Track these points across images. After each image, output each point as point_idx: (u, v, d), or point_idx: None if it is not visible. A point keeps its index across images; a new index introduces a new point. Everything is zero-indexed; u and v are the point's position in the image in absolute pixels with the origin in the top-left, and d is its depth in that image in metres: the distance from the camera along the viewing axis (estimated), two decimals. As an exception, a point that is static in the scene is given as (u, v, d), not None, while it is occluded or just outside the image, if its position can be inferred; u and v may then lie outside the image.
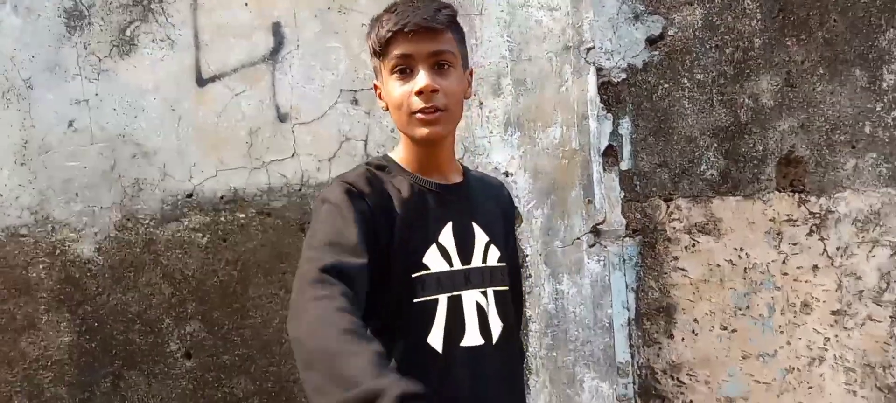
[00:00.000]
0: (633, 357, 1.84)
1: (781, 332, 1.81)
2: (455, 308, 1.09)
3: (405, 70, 1.07)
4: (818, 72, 1.88)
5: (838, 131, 1.84)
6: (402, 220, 1.08)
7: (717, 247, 1.85)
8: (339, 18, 1.89)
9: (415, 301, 1.08)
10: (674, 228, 1.85)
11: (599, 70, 1.91)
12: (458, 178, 1.16)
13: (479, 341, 1.10)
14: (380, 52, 1.10)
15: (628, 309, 1.84)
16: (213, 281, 1.91)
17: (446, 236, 1.11)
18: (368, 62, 1.85)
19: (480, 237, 1.13)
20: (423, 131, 1.07)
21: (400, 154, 1.15)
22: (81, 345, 1.93)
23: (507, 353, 1.15)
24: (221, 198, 1.92)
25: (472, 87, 1.18)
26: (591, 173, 1.86)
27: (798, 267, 1.81)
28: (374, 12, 1.83)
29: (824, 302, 1.80)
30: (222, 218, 1.92)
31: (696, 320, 1.83)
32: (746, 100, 1.88)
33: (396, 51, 1.07)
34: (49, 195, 1.96)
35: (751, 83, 1.88)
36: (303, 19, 1.89)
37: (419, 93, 1.05)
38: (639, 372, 1.86)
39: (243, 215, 1.91)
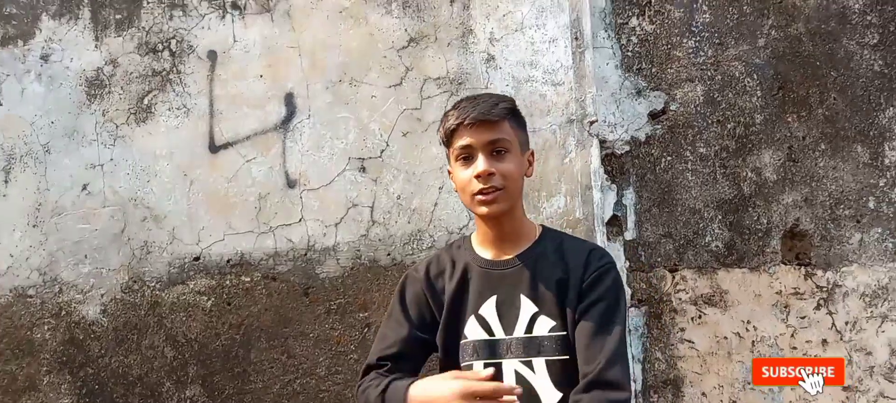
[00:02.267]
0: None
1: (792, 408, 1.86)
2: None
3: (468, 157, 1.31)
4: (820, 148, 1.99)
5: (842, 206, 1.94)
6: (452, 294, 1.36)
7: (724, 319, 1.91)
8: (350, 90, 2.05)
9: (462, 365, 1.33)
10: (680, 299, 1.93)
11: (603, 142, 2.04)
12: (520, 251, 1.35)
13: None
14: (447, 142, 1.36)
15: (634, 381, 1.89)
16: (215, 345, 1.99)
17: (488, 309, 1.33)
18: (376, 131, 2.01)
19: (527, 309, 1.30)
20: (483, 209, 1.31)
21: (475, 232, 1.42)
22: (80, 409, 2.01)
23: None
24: (228, 261, 2.03)
25: (532, 167, 1.41)
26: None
27: (807, 341, 1.87)
28: (383, 85, 2.01)
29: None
30: (228, 282, 2.02)
31: (704, 394, 1.88)
32: (749, 174, 1.99)
33: (459, 141, 1.31)
34: (58, 256, 2.08)
35: (753, 157, 2.00)
36: (315, 90, 2.06)
37: (478, 176, 1.29)
38: None
39: (249, 279, 2.01)
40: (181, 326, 2.00)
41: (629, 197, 2.01)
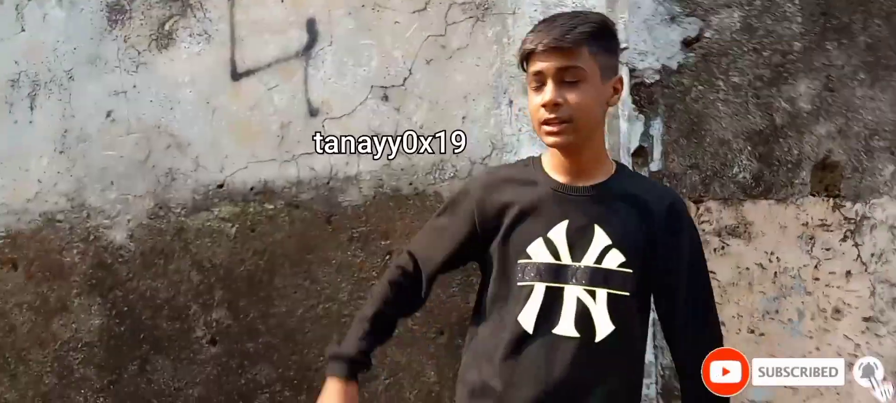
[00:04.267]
0: (656, 357, 2.14)
1: (811, 337, 2.10)
2: (553, 297, 1.43)
3: (540, 85, 1.41)
4: (859, 77, 2.18)
5: (877, 137, 2.14)
6: (518, 212, 1.47)
7: (747, 251, 2.15)
8: (373, 15, 2.29)
9: (518, 283, 1.46)
10: (703, 230, 2.16)
11: (632, 71, 2.25)
12: (596, 181, 1.47)
13: (573, 333, 1.41)
14: (523, 66, 1.46)
15: (652, 310, 2.16)
16: (240, 270, 2.30)
17: (557, 232, 1.44)
18: (399, 59, 2.26)
19: (600, 239, 1.42)
20: (548, 140, 1.42)
21: (547, 153, 1.53)
22: (111, 329, 2.34)
23: (618, 356, 1.44)
24: (251, 189, 2.32)
25: (619, 94, 1.48)
26: (619, 173, 2.19)
27: (830, 273, 2.10)
28: (407, 10, 2.25)
29: (856, 308, 2.08)
30: (251, 209, 2.31)
31: (723, 323, 2.12)
32: (783, 104, 2.20)
33: (532, 67, 1.41)
34: (85, 183, 2.39)
35: (788, 87, 2.21)
36: (337, 16, 2.30)
37: (545, 105, 1.39)
38: (662, 373, 2.16)
39: (272, 206, 2.30)
40: (207, 252, 2.31)
41: (657, 127, 2.24)
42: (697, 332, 1.53)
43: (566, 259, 1.44)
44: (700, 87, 2.25)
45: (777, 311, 2.13)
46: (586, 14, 1.48)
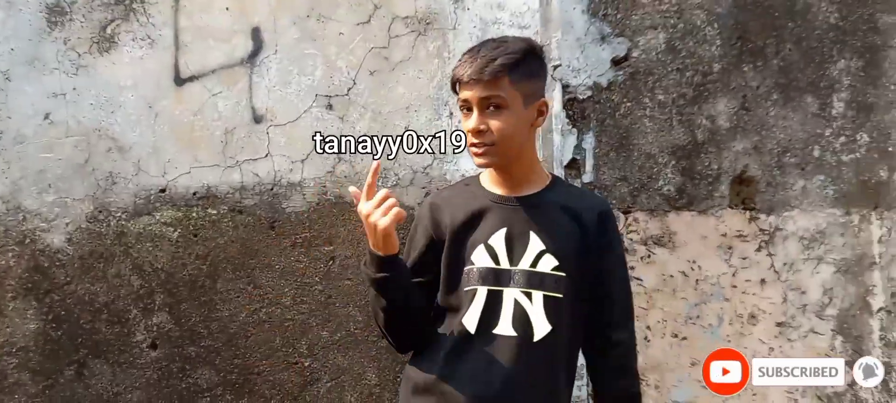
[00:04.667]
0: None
1: (729, 341, 2.27)
2: (494, 300, 1.57)
3: (467, 109, 1.57)
4: (772, 98, 2.37)
5: (789, 154, 2.33)
6: (461, 223, 1.63)
7: (671, 259, 2.31)
8: (318, 26, 2.35)
9: (464, 289, 1.60)
10: (631, 240, 2.31)
11: (566, 87, 2.39)
12: (532, 192, 1.63)
13: (511, 332, 1.55)
14: (455, 90, 1.61)
15: (585, 315, 2.30)
16: (182, 275, 2.32)
17: (497, 239, 1.59)
18: (343, 69, 2.33)
19: (535, 245, 1.57)
20: (476, 161, 1.59)
21: (485, 171, 1.68)
22: (47, 333, 2.33)
23: (552, 354, 1.57)
24: (194, 194, 2.35)
25: (544, 116, 1.62)
26: (553, 184, 2.32)
27: (747, 281, 2.28)
28: (351, 22, 2.33)
29: (770, 314, 2.26)
30: (194, 214, 2.34)
31: (648, 327, 2.28)
32: (704, 122, 2.37)
33: (461, 94, 1.57)
34: (22, 185, 2.37)
35: (708, 105, 2.37)
36: (282, 25, 2.36)
37: (470, 131, 1.55)
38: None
39: (215, 211, 2.34)
40: (148, 256, 2.33)
41: (589, 141, 2.38)
42: (622, 335, 1.67)
43: (505, 263, 1.58)
44: (628, 104, 2.39)
45: (698, 316, 2.29)
46: (510, 43, 1.59)
